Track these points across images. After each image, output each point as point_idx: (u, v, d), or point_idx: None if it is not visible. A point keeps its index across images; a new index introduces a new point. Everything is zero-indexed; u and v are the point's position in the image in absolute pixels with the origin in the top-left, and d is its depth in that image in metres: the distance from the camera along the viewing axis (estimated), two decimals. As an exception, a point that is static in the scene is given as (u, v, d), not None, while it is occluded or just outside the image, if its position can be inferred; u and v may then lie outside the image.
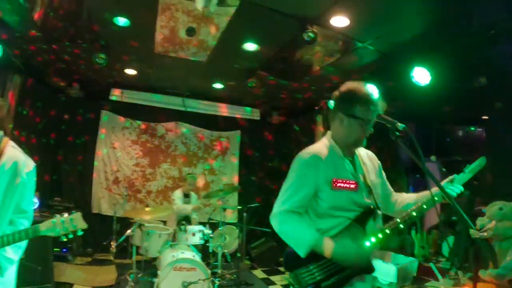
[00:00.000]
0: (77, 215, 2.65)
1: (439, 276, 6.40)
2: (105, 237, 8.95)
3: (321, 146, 2.69)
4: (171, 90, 9.55)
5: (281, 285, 7.60)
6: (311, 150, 2.66)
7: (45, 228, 2.53)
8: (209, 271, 5.97)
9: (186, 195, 8.18)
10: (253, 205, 8.74)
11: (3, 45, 6.10)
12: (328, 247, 2.42)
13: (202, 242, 6.66)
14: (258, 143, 11.21)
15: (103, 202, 9.71)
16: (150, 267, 7.27)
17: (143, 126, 10.25)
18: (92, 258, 8.70)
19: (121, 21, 5.47)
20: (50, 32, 6.11)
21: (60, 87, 8.96)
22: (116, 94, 9.52)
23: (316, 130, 9.39)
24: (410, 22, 4.95)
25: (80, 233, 2.59)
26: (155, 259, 7.03)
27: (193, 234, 6.54)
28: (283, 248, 7.73)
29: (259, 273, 8.46)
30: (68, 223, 2.59)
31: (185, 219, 7.74)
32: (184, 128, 10.50)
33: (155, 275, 6.24)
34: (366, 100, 2.57)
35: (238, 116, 10.54)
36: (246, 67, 7.20)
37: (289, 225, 2.56)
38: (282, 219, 2.58)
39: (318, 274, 2.49)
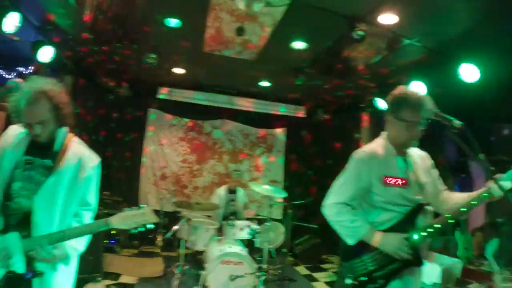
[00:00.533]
0: (148, 209, 2.69)
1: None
2: (151, 230, 9.10)
3: (377, 145, 2.92)
4: (218, 88, 9.68)
5: (324, 282, 7.60)
6: (367, 148, 2.92)
7: (116, 221, 2.59)
8: (255, 266, 6.06)
9: (232, 191, 8.26)
10: (297, 202, 8.82)
11: (56, 48, 6.21)
12: (377, 237, 2.68)
13: (249, 237, 6.75)
14: (303, 140, 11.24)
15: (150, 197, 9.99)
16: (195, 260, 7.46)
17: (190, 124, 10.47)
18: (138, 250, 8.95)
19: (173, 22, 5.61)
20: (102, 34, 6.31)
21: (109, 86, 9.22)
22: (164, 93, 9.72)
23: (361, 128, 9.36)
24: (459, 17, 4.89)
25: (151, 226, 2.65)
26: (201, 252, 7.16)
27: (241, 229, 6.65)
28: (327, 246, 7.75)
29: (302, 269, 8.48)
30: (138, 216, 2.64)
31: (233, 214, 7.84)
32: (231, 125, 10.66)
33: (201, 268, 6.38)
34: (414, 104, 2.70)
35: (283, 113, 10.56)
36: (293, 65, 7.25)
37: (342, 215, 2.80)
38: (335, 210, 2.84)
39: (371, 265, 2.70)
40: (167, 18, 5.55)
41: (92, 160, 2.87)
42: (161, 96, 9.73)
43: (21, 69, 7.53)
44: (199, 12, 5.39)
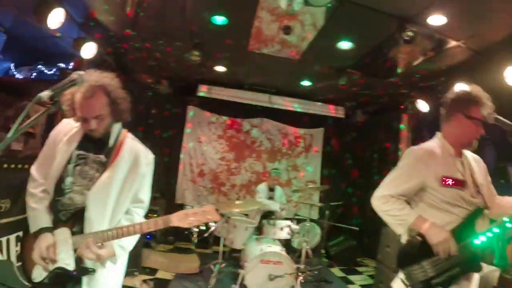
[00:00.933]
0: (210, 208, 2.63)
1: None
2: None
3: (434, 144, 2.90)
4: (257, 87, 9.65)
5: (360, 286, 7.53)
6: (425, 146, 2.89)
7: (176, 219, 2.56)
8: (295, 266, 6.05)
9: (271, 189, 8.26)
10: (335, 203, 8.75)
11: (97, 44, 6.33)
12: (426, 225, 2.65)
13: (289, 237, 6.74)
14: (341, 141, 11.12)
15: (187, 194, 10.03)
16: (231, 258, 7.49)
17: (228, 122, 10.48)
18: (174, 246, 9.05)
19: (219, 19, 5.60)
20: (145, 31, 6.35)
21: (148, 83, 9.34)
22: (203, 90, 9.72)
23: (400, 129, 9.22)
24: (507, 19, 4.72)
25: (213, 225, 2.60)
26: (238, 250, 7.19)
27: (281, 229, 6.64)
28: (362, 248, 7.68)
29: (337, 271, 8.40)
30: (200, 215, 2.57)
31: (270, 213, 7.82)
32: (269, 124, 10.61)
33: (238, 266, 6.40)
34: (482, 102, 2.69)
35: (322, 113, 10.44)
36: (337, 65, 7.16)
37: (390, 205, 2.79)
38: (383, 200, 2.83)
39: (430, 271, 2.60)
40: (214, 16, 5.53)
41: (147, 157, 2.84)
42: (201, 94, 9.73)
43: (62, 65, 7.71)
44: (247, 11, 5.35)
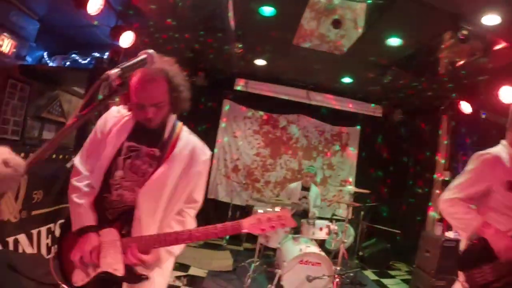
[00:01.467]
0: (285, 212, 2.34)
1: None
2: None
3: (500, 150, 2.87)
4: (295, 82, 9.50)
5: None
6: (492, 151, 2.86)
7: (248, 225, 2.28)
8: (333, 268, 5.89)
9: (305, 188, 8.09)
10: (370, 204, 8.58)
11: (134, 34, 6.23)
12: (490, 230, 2.62)
13: (328, 237, 6.62)
14: (378, 140, 10.85)
15: (220, 189, 9.91)
16: (264, 256, 7.36)
17: (265, 117, 10.31)
18: (204, 241, 8.86)
19: (267, 10, 5.45)
20: (185, 21, 6.24)
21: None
22: (240, 84, 9.63)
23: (440, 131, 8.98)
24: None
25: (287, 230, 2.38)
26: (270, 249, 7.12)
27: (320, 229, 6.49)
28: (395, 252, 7.50)
29: (369, 274, 8.20)
30: (275, 221, 2.28)
31: (304, 212, 7.70)
32: (306, 121, 10.39)
33: (271, 265, 6.28)
34: None
35: (359, 111, 10.22)
36: (382, 62, 6.95)
37: (456, 208, 2.82)
38: (450, 203, 2.86)
39: (490, 276, 2.58)
40: (262, 6, 5.38)
41: (205, 154, 2.55)
42: (238, 88, 9.65)
43: (97, 54, 7.62)
44: (297, 2, 5.19)
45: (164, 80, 2.28)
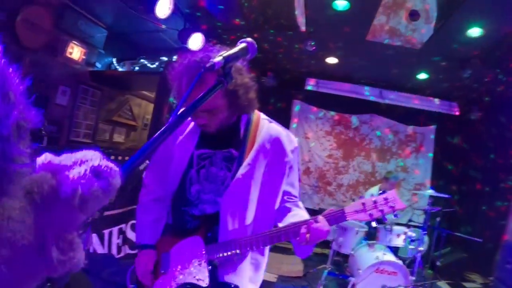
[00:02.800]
0: (393, 193, 1.98)
1: None
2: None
3: None
4: (368, 81, 9.21)
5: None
6: None
7: (353, 211, 1.94)
8: (410, 278, 5.53)
9: (383, 193, 7.71)
10: (449, 209, 8.07)
11: (203, 35, 6.23)
12: None
13: (406, 245, 6.22)
14: (455, 140, 10.24)
15: (291, 191, 9.67)
16: (334, 263, 6.98)
17: (336, 117, 10.03)
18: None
19: (341, 4, 5.27)
20: (254, 20, 6.16)
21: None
22: (311, 84, 9.44)
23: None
24: None
25: (397, 215, 2.01)
26: (340, 255, 6.80)
27: (398, 236, 6.16)
28: (470, 261, 7.00)
29: (443, 285, 7.65)
30: (382, 204, 1.93)
31: (379, 218, 7.30)
32: (380, 121, 10.00)
33: (342, 272, 6.15)
34: None
35: (435, 109, 9.69)
36: (461, 55, 6.52)
37: None
38: None
39: None
40: (335, 0, 5.19)
41: (291, 142, 2.19)
42: (308, 88, 9.44)
43: (165, 58, 7.83)
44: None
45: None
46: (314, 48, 6.35)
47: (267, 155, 2.11)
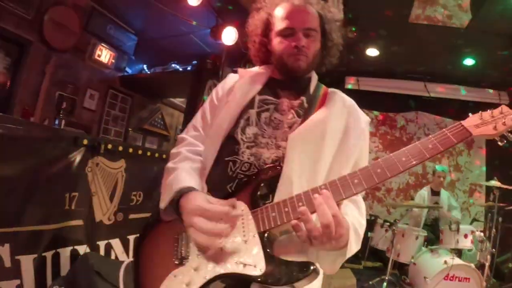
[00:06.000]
0: (504, 107, 1.44)
1: None
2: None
3: None
4: (411, 74, 8.69)
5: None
6: None
7: (475, 125, 1.41)
8: (484, 284, 4.89)
9: (435, 193, 7.10)
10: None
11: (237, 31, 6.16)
12: None
13: (472, 247, 5.61)
14: (510, 134, 9.47)
15: (335, 198, 9.13)
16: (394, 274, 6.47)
17: (380, 117, 9.57)
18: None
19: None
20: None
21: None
22: (351, 83, 9.04)
23: None
24: None
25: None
26: (402, 265, 6.18)
27: (465, 236, 5.52)
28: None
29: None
30: (500, 117, 1.39)
31: (435, 221, 6.84)
32: (426, 118, 9.44)
33: (400, 283, 5.72)
34: None
35: (484, 101, 8.87)
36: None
37: None
38: None
39: None
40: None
41: (364, 114, 1.83)
42: (348, 87, 9.01)
43: (195, 62, 7.83)
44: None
45: (317, 20, 1.81)
46: (355, 34, 5.89)
47: (343, 114, 1.72)
